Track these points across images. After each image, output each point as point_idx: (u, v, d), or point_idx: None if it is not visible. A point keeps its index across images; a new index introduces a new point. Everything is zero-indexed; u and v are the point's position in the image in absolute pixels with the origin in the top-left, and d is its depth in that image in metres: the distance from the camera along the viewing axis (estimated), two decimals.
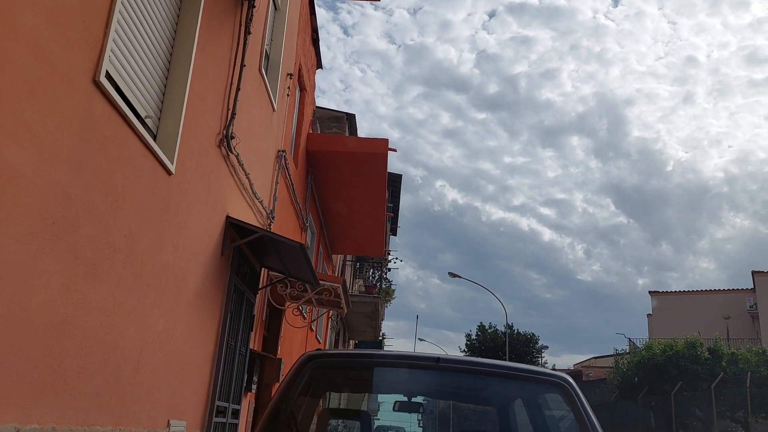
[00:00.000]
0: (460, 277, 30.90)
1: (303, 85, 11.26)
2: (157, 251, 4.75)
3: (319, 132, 13.40)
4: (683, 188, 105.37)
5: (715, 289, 35.66)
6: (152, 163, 4.54)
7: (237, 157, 6.68)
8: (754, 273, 31.87)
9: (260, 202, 7.96)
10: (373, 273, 23.11)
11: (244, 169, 7.02)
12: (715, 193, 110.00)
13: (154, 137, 4.84)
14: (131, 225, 4.25)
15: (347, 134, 15.94)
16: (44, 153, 3.17)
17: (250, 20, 6.86)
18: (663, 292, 37.12)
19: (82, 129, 3.53)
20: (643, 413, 22.26)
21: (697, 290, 36.10)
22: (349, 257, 21.19)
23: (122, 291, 4.18)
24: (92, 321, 3.81)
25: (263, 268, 8.49)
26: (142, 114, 4.60)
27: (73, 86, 3.42)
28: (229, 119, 6.37)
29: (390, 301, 23.32)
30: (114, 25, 3.80)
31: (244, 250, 7.35)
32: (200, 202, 5.74)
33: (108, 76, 3.88)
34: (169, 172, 4.85)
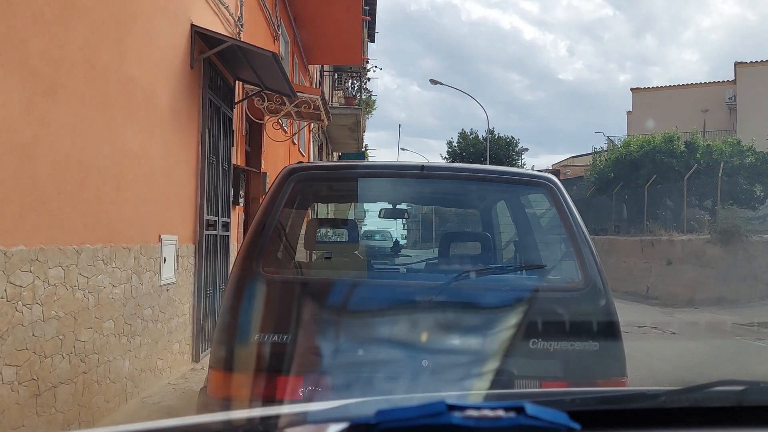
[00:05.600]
0: (441, 83, 30.39)
1: None
2: (120, 65, 4.44)
3: None
4: None
5: (695, 83, 35.58)
6: None
7: None
8: (737, 64, 31.57)
9: (226, 8, 7.39)
10: (352, 84, 22.54)
11: None
12: None
13: None
14: (87, 36, 3.91)
15: None
16: None
17: None
18: (644, 88, 37.00)
19: None
20: (617, 206, 23.35)
21: (677, 85, 36.00)
22: (326, 67, 20.50)
23: (89, 108, 3.97)
24: (62, 141, 3.65)
25: (237, 81, 8.16)
26: None
27: None
28: None
29: (371, 112, 23.07)
30: None
31: (215, 63, 6.98)
32: (160, 8, 5.28)
33: None
34: None
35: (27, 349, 3.35)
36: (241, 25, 8.06)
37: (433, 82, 30.18)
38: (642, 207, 20.46)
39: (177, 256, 5.82)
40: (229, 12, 7.52)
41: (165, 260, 5.50)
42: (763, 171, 19.69)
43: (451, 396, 0.91)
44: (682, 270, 16.30)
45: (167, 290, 5.62)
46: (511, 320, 2.57)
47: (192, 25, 6.15)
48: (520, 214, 3.87)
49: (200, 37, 6.33)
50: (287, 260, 3.30)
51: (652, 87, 37.23)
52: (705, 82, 35.31)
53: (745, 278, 14.98)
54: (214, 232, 7.10)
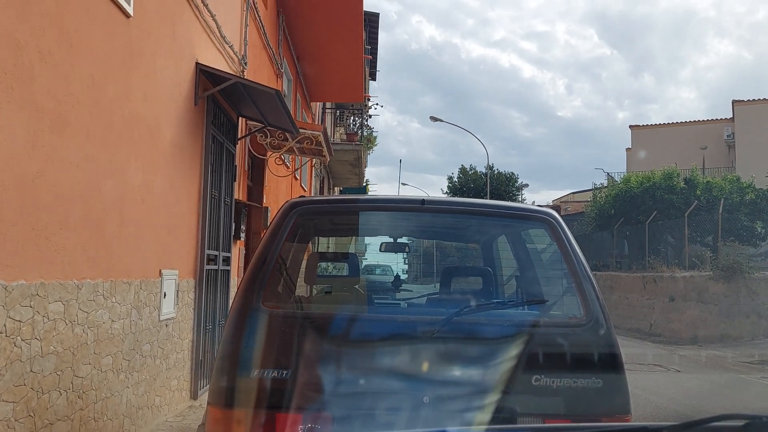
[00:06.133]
0: (441, 120, 30.69)
1: None
2: (125, 101, 4.51)
3: None
4: (669, 13, 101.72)
5: (693, 121, 35.93)
6: (106, 4, 4.16)
7: None
8: (734, 102, 31.94)
9: (230, 47, 7.52)
10: (353, 120, 22.76)
11: (209, 11, 6.53)
12: (702, 18, 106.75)
13: None
14: (93, 73, 3.98)
15: None
16: None
17: None
18: (643, 125, 37.35)
19: None
20: (618, 242, 23.32)
21: (676, 122, 36.36)
22: (328, 105, 20.74)
23: (93, 144, 4.01)
24: (66, 176, 3.68)
25: (241, 118, 8.25)
26: None
27: None
28: None
29: (372, 148, 23.24)
30: None
31: (219, 100, 7.07)
32: (166, 47, 5.38)
33: None
34: (126, 15, 4.47)
35: (25, 384, 3.32)
36: (245, 63, 8.19)
37: (434, 119, 30.49)
38: (643, 243, 20.43)
39: (177, 291, 5.80)
40: (233, 51, 7.65)
41: (165, 295, 5.48)
42: (763, 208, 19.74)
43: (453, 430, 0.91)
44: (685, 307, 16.18)
45: (167, 325, 5.59)
46: (513, 356, 2.55)
47: (197, 64, 6.25)
48: (521, 248, 3.86)
49: (205, 75, 6.43)
50: (288, 294, 3.29)
51: (651, 124, 37.60)
52: (703, 120, 35.68)
53: (748, 315, 14.87)
54: (215, 267, 7.09)
